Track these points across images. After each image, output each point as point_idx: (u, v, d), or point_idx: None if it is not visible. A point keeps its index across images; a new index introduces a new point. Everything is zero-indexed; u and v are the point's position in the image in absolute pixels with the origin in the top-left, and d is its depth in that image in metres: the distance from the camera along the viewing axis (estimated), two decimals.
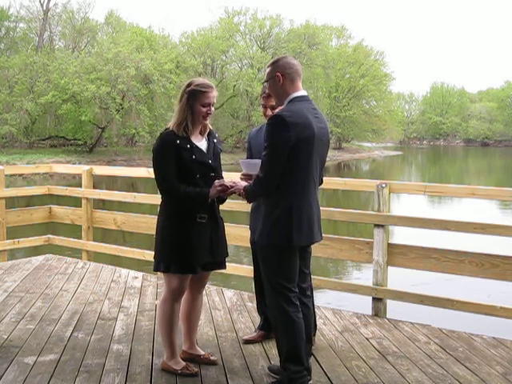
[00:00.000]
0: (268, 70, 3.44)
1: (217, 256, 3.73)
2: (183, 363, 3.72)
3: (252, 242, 4.28)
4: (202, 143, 3.67)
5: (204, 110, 3.58)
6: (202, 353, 3.90)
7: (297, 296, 3.37)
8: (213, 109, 3.63)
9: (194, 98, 3.56)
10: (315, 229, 3.40)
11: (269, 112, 4.05)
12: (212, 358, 3.89)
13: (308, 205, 3.34)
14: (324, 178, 3.75)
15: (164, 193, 3.63)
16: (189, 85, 3.61)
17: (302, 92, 3.38)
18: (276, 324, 3.39)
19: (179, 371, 3.67)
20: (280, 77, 3.35)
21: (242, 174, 3.65)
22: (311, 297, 3.67)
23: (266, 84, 3.53)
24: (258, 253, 3.47)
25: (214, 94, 3.61)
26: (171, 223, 3.61)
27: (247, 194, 3.42)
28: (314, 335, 4.05)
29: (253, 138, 4.27)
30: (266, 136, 3.29)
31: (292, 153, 3.21)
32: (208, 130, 3.73)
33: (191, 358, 3.85)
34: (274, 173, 3.24)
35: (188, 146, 3.57)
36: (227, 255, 3.86)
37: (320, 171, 3.49)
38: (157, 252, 3.67)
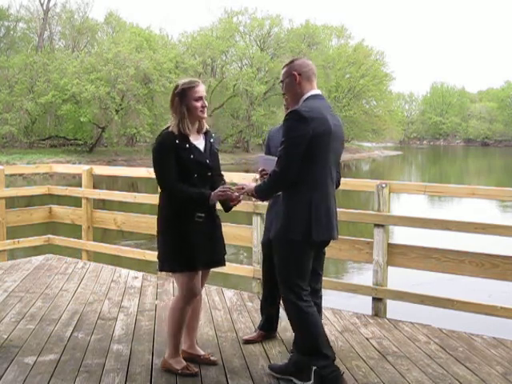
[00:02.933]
0: (284, 70, 3.47)
1: (216, 254, 3.77)
2: (184, 363, 3.72)
3: (263, 243, 4.29)
4: (199, 142, 3.70)
5: (198, 104, 3.62)
6: (202, 353, 3.91)
7: (308, 295, 3.39)
8: (206, 102, 3.67)
9: (184, 96, 3.60)
10: (334, 225, 3.41)
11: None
12: (212, 358, 3.89)
13: (326, 200, 3.36)
14: None
15: (165, 192, 3.65)
16: (176, 88, 3.66)
17: (316, 91, 3.42)
18: (293, 321, 3.43)
19: (180, 371, 3.67)
20: (297, 76, 3.39)
21: (260, 171, 3.65)
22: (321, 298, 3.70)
23: (281, 84, 3.53)
24: (274, 249, 3.45)
25: (202, 88, 3.66)
26: (170, 223, 3.63)
27: (258, 193, 3.44)
28: None
29: (272, 137, 4.26)
30: (283, 131, 3.30)
31: (309, 148, 3.23)
32: (205, 129, 3.76)
33: (191, 358, 3.84)
34: (291, 167, 3.25)
35: (187, 145, 3.60)
36: (225, 253, 3.89)
37: (336, 169, 3.49)
38: (160, 253, 3.70)
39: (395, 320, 4.83)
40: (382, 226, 4.95)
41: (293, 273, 3.35)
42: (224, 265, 3.86)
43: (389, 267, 5.00)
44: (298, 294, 3.36)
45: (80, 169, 7.35)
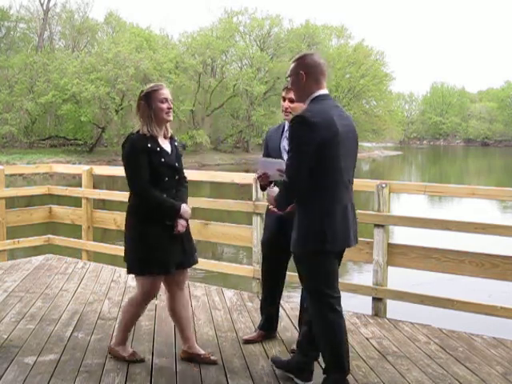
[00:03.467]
0: (292, 65, 3.35)
1: (188, 253, 3.84)
2: (130, 350, 3.89)
3: (262, 242, 4.29)
4: (167, 146, 3.78)
5: (164, 105, 3.69)
6: (203, 352, 3.92)
7: (339, 302, 3.31)
8: (171, 105, 3.75)
9: (150, 99, 3.69)
10: (350, 232, 3.30)
11: (287, 104, 4.05)
12: (212, 357, 3.90)
13: (340, 207, 3.24)
14: None
15: (138, 196, 3.70)
16: (141, 93, 3.78)
17: (323, 91, 3.29)
18: (318, 332, 3.34)
19: (127, 357, 3.84)
20: (303, 75, 3.27)
21: (259, 176, 3.64)
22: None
23: (288, 79, 3.43)
24: (295, 261, 3.37)
25: (167, 91, 3.76)
26: (143, 226, 3.67)
27: (276, 202, 3.34)
28: None
29: (270, 137, 4.25)
30: (289, 138, 3.22)
31: (318, 154, 3.12)
32: (170, 134, 3.84)
33: (191, 358, 3.88)
34: (300, 175, 3.14)
35: (158, 149, 3.68)
36: (196, 251, 3.99)
37: (352, 170, 3.36)
38: (129, 255, 3.74)
39: (395, 320, 4.83)
40: (382, 226, 4.95)
41: (319, 282, 3.26)
42: (196, 263, 3.96)
43: (389, 267, 5.00)
44: (328, 304, 3.26)
45: (80, 169, 7.35)
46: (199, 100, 45.58)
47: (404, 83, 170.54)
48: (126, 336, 3.92)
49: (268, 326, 4.32)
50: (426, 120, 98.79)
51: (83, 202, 7.01)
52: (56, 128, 41.62)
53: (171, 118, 3.75)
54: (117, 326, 3.99)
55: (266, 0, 62.11)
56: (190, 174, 7.00)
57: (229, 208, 5.86)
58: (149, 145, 3.63)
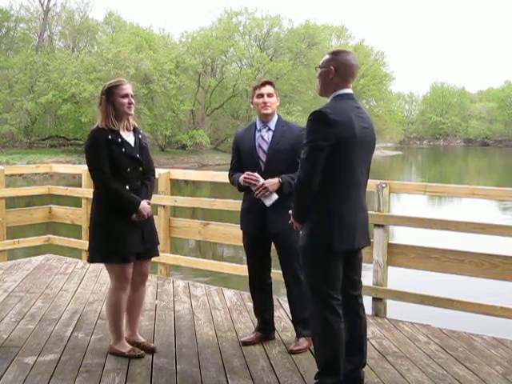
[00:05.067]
0: (326, 57, 3.33)
1: (148, 245, 3.94)
2: (129, 346, 3.94)
3: (245, 241, 4.24)
4: (130, 138, 3.87)
5: (125, 101, 3.80)
6: (143, 340, 4.09)
7: (340, 304, 3.25)
8: (133, 100, 3.84)
9: (111, 94, 3.79)
10: (358, 234, 3.24)
11: (266, 99, 4.06)
12: (151, 345, 4.06)
13: (350, 209, 3.20)
14: None
15: (99, 187, 3.81)
16: (103, 87, 3.86)
17: (347, 90, 3.27)
18: (315, 332, 3.29)
19: (126, 353, 3.88)
20: (333, 71, 3.24)
21: (245, 177, 3.62)
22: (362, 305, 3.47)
23: (318, 69, 3.37)
24: (300, 258, 3.32)
25: (128, 86, 3.86)
26: (105, 216, 3.79)
27: (293, 217, 3.29)
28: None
29: (241, 139, 4.19)
30: (306, 133, 3.17)
31: (332, 152, 3.09)
32: (133, 126, 3.93)
33: (131, 345, 4.02)
34: (315, 171, 3.09)
35: (119, 140, 3.78)
36: (159, 243, 4.11)
37: (366, 173, 3.35)
38: (92, 244, 3.85)
39: (395, 320, 4.84)
40: (382, 226, 4.95)
41: (321, 281, 3.21)
42: (158, 255, 4.08)
43: (389, 267, 5.01)
44: (330, 306, 3.20)
45: (80, 169, 7.35)
46: (199, 100, 45.56)
47: (404, 83, 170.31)
48: (120, 331, 3.96)
49: (265, 328, 4.31)
50: (426, 120, 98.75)
51: (83, 202, 7.01)
52: (56, 128, 41.59)
53: (132, 112, 3.85)
54: (108, 324, 4.04)
55: (266, 0, 62.10)
56: (190, 174, 7.04)
57: (228, 208, 5.87)
58: (109, 136, 3.74)
